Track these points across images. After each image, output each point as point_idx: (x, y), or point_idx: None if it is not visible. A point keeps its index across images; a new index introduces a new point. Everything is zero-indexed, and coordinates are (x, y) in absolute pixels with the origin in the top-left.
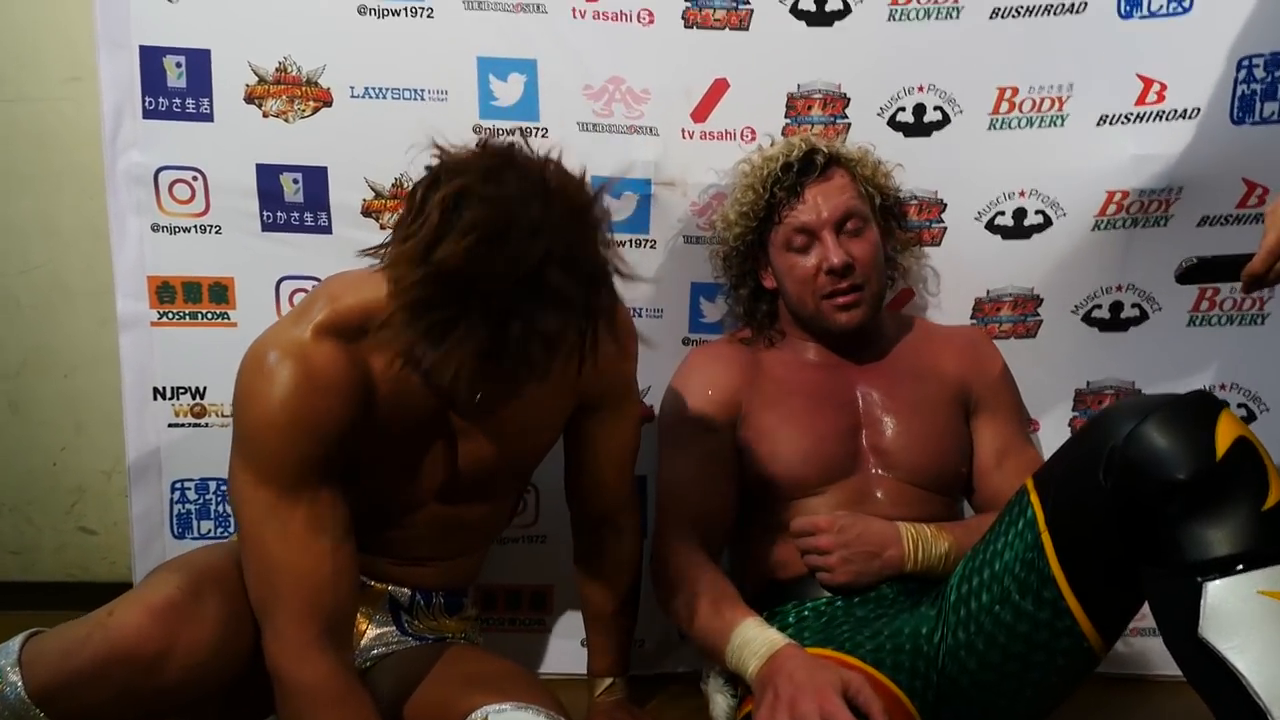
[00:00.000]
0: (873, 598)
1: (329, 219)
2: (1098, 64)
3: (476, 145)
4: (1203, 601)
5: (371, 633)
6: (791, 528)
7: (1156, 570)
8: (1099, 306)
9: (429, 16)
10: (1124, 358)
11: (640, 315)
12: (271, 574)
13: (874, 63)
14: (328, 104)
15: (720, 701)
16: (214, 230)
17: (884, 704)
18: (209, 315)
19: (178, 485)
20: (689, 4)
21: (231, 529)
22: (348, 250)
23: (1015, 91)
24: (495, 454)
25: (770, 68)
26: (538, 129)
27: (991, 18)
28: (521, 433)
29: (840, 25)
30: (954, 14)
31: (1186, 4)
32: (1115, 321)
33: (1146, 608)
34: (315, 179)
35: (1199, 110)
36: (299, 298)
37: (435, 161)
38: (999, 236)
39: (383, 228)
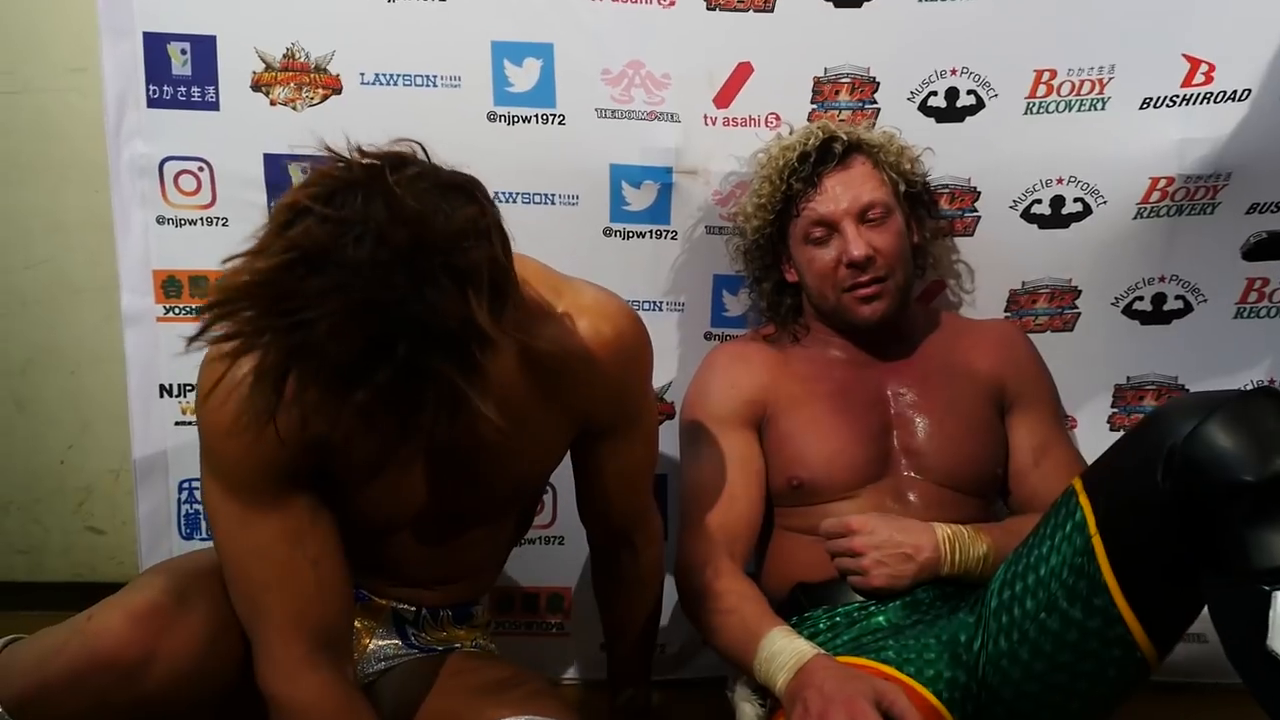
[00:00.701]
0: (908, 602)
1: None
2: (1141, 44)
3: (356, 151)
4: (1272, 611)
5: (374, 645)
6: (821, 529)
7: (1219, 578)
8: (1140, 298)
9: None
10: (1167, 352)
11: (660, 309)
12: (252, 590)
13: (904, 45)
14: (337, 91)
15: (748, 711)
16: (221, 223)
17: (921, 716)
18: None
19: (185, 485)
20: None
21: None
22: None
23: (1053, 74)
24: (478, 482)
25: (796, 51)
26: (554, 115)
27: None
28: (505, 463)
29: (869, 6)
30: None
31: None
32: (1158, 314)
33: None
34: None
35: (1249, 91)
36: None
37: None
38: (1035, 226)
39: None
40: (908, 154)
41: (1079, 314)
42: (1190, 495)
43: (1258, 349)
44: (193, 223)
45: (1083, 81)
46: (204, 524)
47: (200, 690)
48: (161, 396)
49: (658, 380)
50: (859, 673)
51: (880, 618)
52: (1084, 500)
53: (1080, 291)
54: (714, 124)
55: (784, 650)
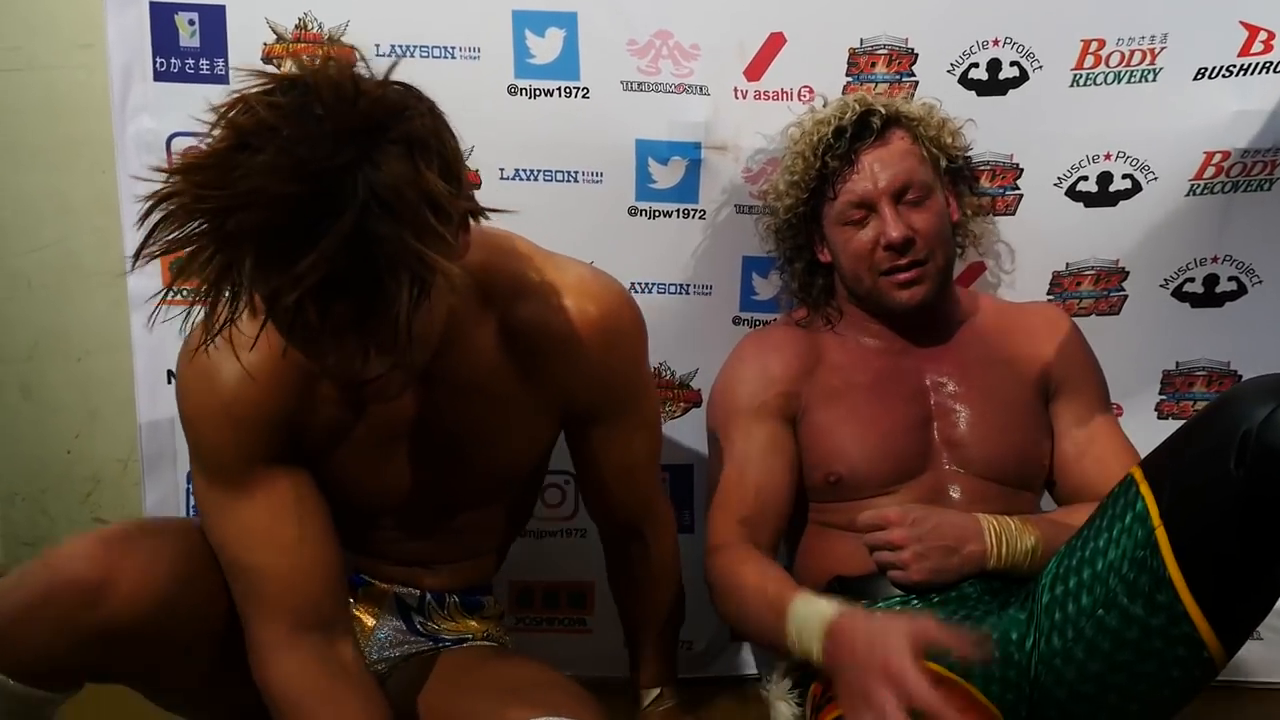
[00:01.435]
0: (953, 597)
1: None
2: (1195, 11)
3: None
4: None
5: (381, 632)
6: (859, 521)
7: None
8: (1191, 280)
9: None
10: (1218, 336)
11: (687, 292)
12: (237, 571)
13: (944, 14)
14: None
15: (784, 710)
16: None
17: (974, 719)
18: None
19: None
20: None
21: None
22: None
23: (1101, 44)
24: (461, 466)
25: (830, 20)
26: (578, 88)
27: None
28: (486, 446)
29: None
30: None
31: None
32: (1209, 296)
33: None
34: None
35: None
36: None
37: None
38: (1081, 204)
39: None
40: (949, 127)
41: (1126, 296)
42: (1265, 484)
43: None
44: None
45: (1133, 51)
46: None
47: (169, 621)
48: (169, 383)
49: (683, 367)
50: (889, 620)
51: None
52: (1145, 490)
53: (1128, 273)
54: (744, 97)
55: (809, 618)
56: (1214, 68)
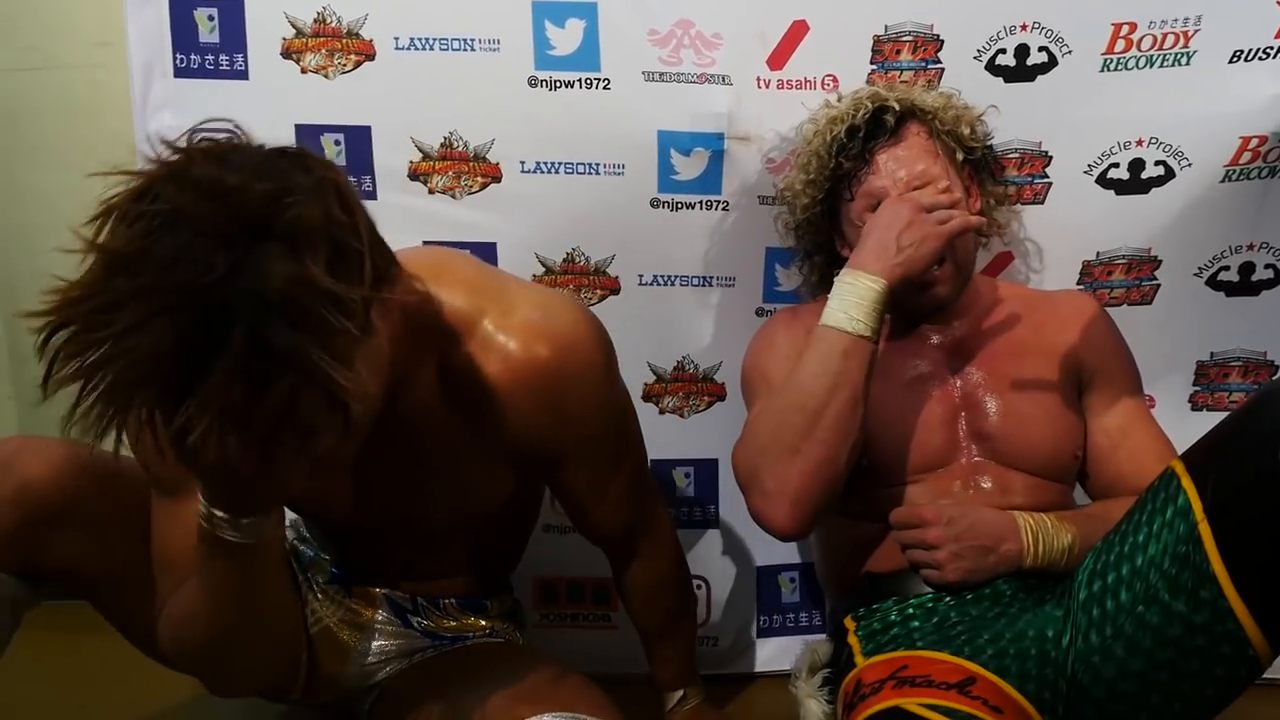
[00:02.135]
0: (987, 594)
1: (373, 183)
2: None
3: (164, 146)
4: None
5: (378, 634)
6: (892, 519)
7: None
8: (1226, 268)
9: None
10: (1254, 325)
11: (710, 284)
12: (164, 566)
13: None
14: (370, 57)
15: (813, 708)
16: None
17: (1010, 717)
18: None
19: None
20: None
21: None
22: (394, 217)
23: (1133, 27)
24: (412, 503)
25: (854, 7)
26: (598, 79)
27: None
28: (436, 489)
29: None
30: None
31: None
32: (1245, 285)
33: None
34: (358, 139)
35: None
36: None
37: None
38: (1112, 192)
39: (430, 191)
40: (967, 117)
41: (1158, 286)
42: None
43: None
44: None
45: (1165, 35)
46: None
47: (82, 502)
48: None
49: (706, 360)
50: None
51: (959, 609)
52: (1188, 484)
53: (1160, 261)
54: (767, 87)
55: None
56: (1250, 50)
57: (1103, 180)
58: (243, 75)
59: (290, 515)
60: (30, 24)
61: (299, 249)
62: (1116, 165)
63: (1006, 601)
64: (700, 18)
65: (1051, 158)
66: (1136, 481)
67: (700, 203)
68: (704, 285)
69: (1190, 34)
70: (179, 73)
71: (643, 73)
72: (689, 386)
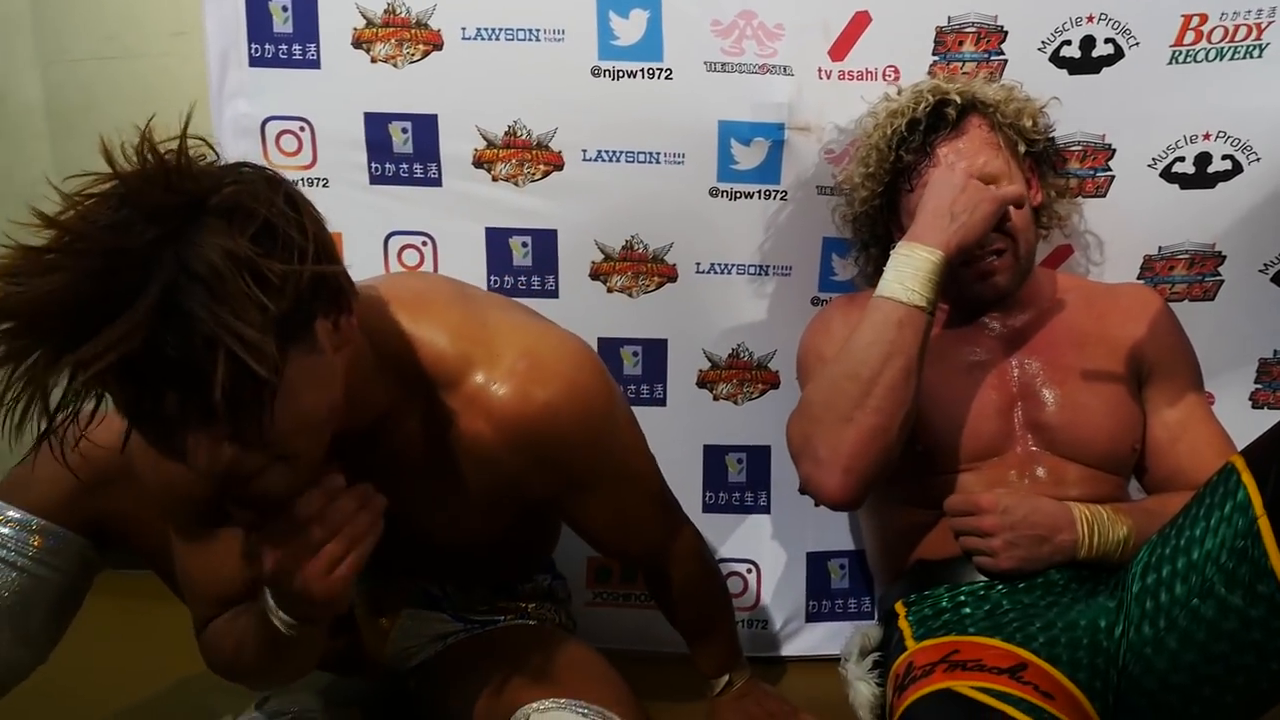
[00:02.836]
0: (1040, 583)
1: (439, 170)
2: None
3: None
4: None
5: (412, 619)
6: (947, 506)
7: None
8: None
9: None
10: None
11: (766, 274)
12: (186, 578)
13: None
14: (438, 47)
15: (863, 690)
16: (321, 183)
17: (1063, 707)
18: None
19: None
20: None
21: None
22: (459, 204)
23: (1204, 19)
24: (414, 529)
25: None
26: (661, 69)
27: None
28: (438, 525)
29: None
30: None
31: None
32: None
33: None
34: (425, 128)
35: None
36: (408, 254)
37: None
38: (1176, 186)
39: (494, 179)
40: (1029, 109)
41: (1222, 281)
42: None
43: None
44: (294, 183)
45: (1237, 26)
46: None
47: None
48: None
49: (761, 349)
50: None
51: (1011, 598)
52: (1248, 479)
53: (1224, 257)
54: (828, 77)
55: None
56: None
57: (1167, 174)
58: (314, 64)
59: None
60: (109, 14)
61: (232, 224)
62: (1182, 159)
63: (1059, 591)
64: (763, 8)
65: (1115, 151)
66: (1195, 476)
67: (759, 192)
68: (760, 274)
69: (1263, 25)
70: (254, 62)
71: (705, 63)
72: (743, 374)
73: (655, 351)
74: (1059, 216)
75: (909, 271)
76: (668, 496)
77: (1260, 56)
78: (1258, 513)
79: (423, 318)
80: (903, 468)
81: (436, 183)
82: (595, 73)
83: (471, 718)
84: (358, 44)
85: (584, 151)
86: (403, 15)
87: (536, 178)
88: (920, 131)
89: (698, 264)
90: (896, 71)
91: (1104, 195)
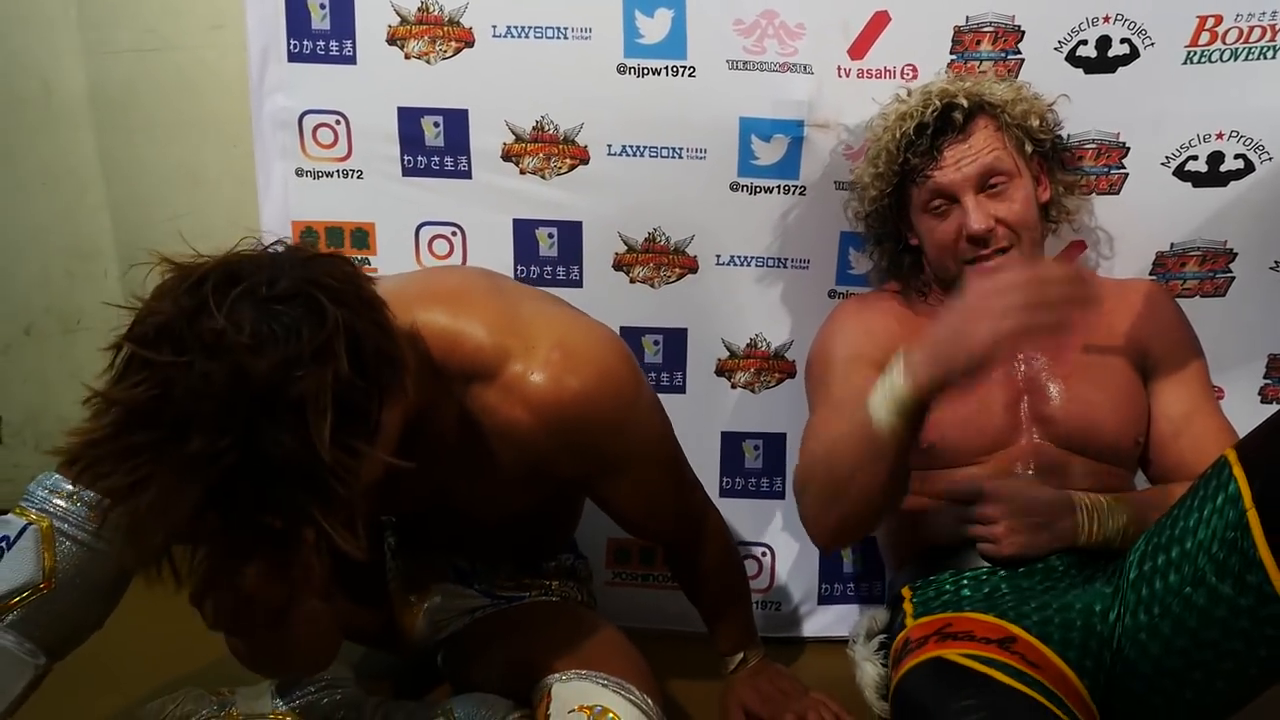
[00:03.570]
0: (1040, 569)
1: (469, 164)
2: None
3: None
4: None
5: (442, 594)
6: (951, 494)
7: None
8: None
9: None
10: None
11: (784, 266)
12: None
13: None
14: (469, 44)
15: (869, 670)
16: (356, 175)
17: (1050, 677)
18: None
19: None
20: None
21: None
22: (487, 196)
23: (1219, 20)
24: (440, 506)
25: None
26: (684, 67)
27: None
28: (470, 505)
29: None
30: None
31: None
32: None
33: None
34: (456, 122)
35: None
36: (438, 244)
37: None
38: (1189, 184)
39: (522, 172)
40: (1037, 108)
41: (1233, 278)
42: None
43: None
44: (329, 175)
45: (1252, 28)
46: None
47: None
48: None
49: (778, 339)
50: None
51: (1010, 581)
52: (1239, 472)
53: (1235, 254)
54: (848, 76)
55: (886, 376)
56: None
57: (1180, 172)
58: (350, 60)
59: None
60: (151, 7)
61: (305, 420)
62: (1195, 158)
63: (1058, 577)
64: (784, 8)
65: (1129, 149)
66: (1198, 468)
67: (778, 187)
68: (779, 267)
69: (1278, 27)
70: (292, 57)
71: (727, 61)
72: (761, 363)
73: (676, 340)
74: (1068, 211)
75: (885, 395)
76: (692, 480)
77: (1274, 57)
78: (1247, 505)
79: (461, 313)
80: (913, 463)
81: (466, 175)
82: (621, 70)
83: (497, 688)
84: (392, 41)
85: (609, 146)
86: (436, 13)
87: (563, 171)
88: (928, 135)
89: (718, 256)
90: (915, 70)
91: (1117, 192)
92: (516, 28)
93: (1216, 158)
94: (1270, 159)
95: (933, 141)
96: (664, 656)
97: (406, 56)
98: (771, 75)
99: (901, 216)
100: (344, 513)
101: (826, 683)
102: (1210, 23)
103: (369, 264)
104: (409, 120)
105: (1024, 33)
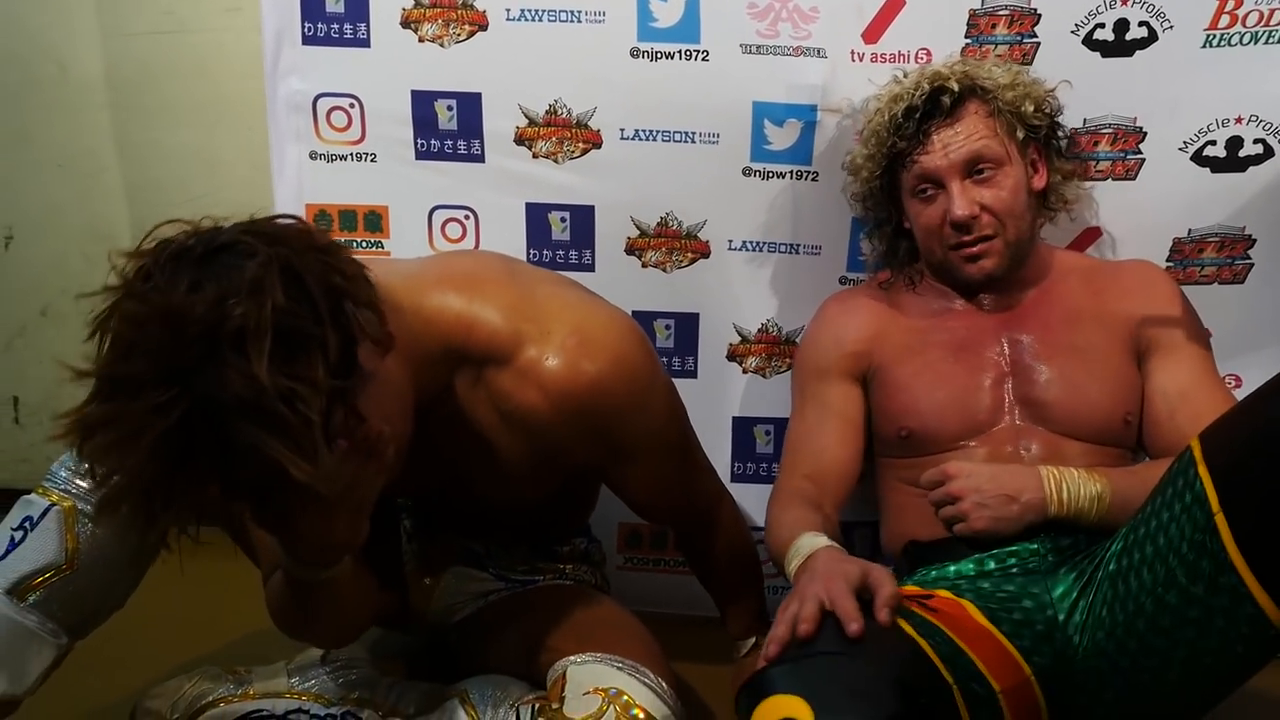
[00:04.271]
0: (1016, 551)
1: (482, 147)
2: None
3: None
4: None
5: (456, 577)
6: (921, 481)
7: None
8: None
9: None
10: None
11: (796, 252)
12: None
13: None
14: (483, 28)
15: None
16: (369, 158)
17: (993, 659)
18: (364, 244)
19: None
20: None
21: None
22: (500, 179)
23: (1239, 2)
24: (455, 491)
25: None
26: (698, 51)
27: None
28: (488, 487)
29: None
30: None
31: None
32: None
33: None
34: (469, 106)
35: None
36: (451, 228)
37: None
38: (1208, 170)
39: (535, 156)
40: (1033, 94)
41: (1252, 265)
42: None
43: None
44: (343, 158)
45: (1274, 10)
46: None
47: None
48: None
49: (789, 324)
50: (854, 559)
51: (978, 565)
52: (1203, 472)
53: (1254, 240)
54: (861, 60)
55: (804, 546)
56: None
57: (1198, 157)
58: (364, 43)
59: None
60: None
61: (246, 352)
62: (1213, 143)
63: (1035, 563)
64: None
65: (1146, 134)
66: None
67: (791, 172)
68: (791, 252)
69: None
70: (306, 40)
71: (740, 45)
72: (771, 348)
73: (687, 325)
74: (1066, 200)
75: (792, 556)
76: (706, 466)
77: None
78: (1214, 509)
79: (476, 297)
80: (893, 450)
81: (479, 159)
82: (634, 54)
83: (511, 670)
84: (406, 24)
85: (622, 130)
86: None
87: (575, 155)
88: (916, 118)
89: (730, 241)
90: (929, 54)
91: (1134, 178)
92: (530, 11)
93: (1235, 143)
94: None
95: (920, 125)
96: (676, 640)
97: (420, 40)
98: (785, 59)
99: (894, 199)
100: (305, 442)
101: None
102: (1230, 5)
103: (382, 247)
104: (422, 103)
105: (1040, 16)
